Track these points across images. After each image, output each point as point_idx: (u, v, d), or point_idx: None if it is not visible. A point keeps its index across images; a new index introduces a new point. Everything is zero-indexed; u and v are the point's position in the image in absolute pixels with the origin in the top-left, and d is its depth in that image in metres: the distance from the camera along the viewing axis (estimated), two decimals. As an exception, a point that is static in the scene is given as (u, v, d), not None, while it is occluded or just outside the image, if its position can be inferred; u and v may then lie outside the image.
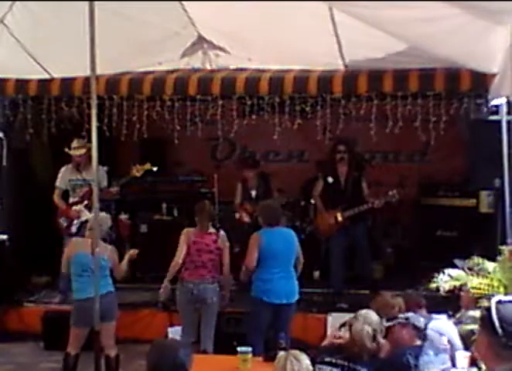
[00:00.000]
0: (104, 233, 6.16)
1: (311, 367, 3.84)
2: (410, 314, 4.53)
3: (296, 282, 6.22)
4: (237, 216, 8.12)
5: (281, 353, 3.91)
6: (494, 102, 6.41)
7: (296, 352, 3.89)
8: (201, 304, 6.23)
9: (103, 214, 6.17)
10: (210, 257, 6.27)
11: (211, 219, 6.43)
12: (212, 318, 6.28)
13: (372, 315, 4.37)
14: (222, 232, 6.42)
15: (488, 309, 2.43)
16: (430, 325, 4.67)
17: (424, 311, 5.02)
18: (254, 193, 8.14)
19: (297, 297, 6.22)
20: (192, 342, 6.06)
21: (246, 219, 8.10)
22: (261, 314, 6.08)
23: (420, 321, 4.45)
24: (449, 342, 4.76)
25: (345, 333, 4.59)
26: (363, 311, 4.40)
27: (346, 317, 5.27)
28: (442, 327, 4.87)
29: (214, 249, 6.29)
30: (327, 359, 4.28)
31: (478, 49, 5.56)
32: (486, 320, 2.41)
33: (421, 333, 4.41)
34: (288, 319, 6.19)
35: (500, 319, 2.37)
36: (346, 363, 4.22)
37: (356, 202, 7.73)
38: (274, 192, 8.20)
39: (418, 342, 4.37)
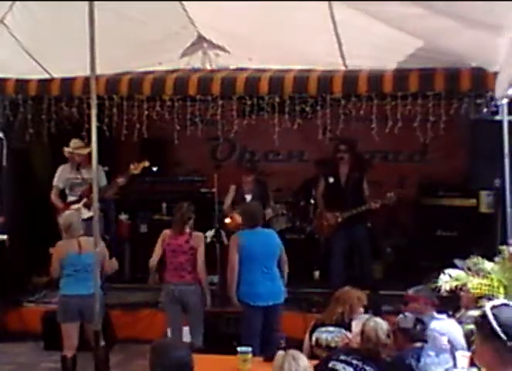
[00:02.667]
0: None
1: (309, 367, 3.85)
2: (398, 317, 4.56)
3: (281, 282, 6.24)
4: (228, 220, 7.96)
5: (279, 353, 3.91)
6: (497, 102, 6.43)
7: (294, 351, 3.89)
8: (184, 305, 6.26)
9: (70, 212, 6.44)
10: (186, 258, 6.26)
11: (185, 220, 6.34)
12: (198, 317, 6.30)
13: (381, 320, 4.50)
14: (198, 233, 6.38)
15: (484, 316, 2.42)
16: (432, 325, 4.67)
17: (433, 311, 5.00)
18: (249, 198, 8.00)
19: (283, 297, 6.23)
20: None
21: (237, 222, 8.00)
22: (251, 317, 6.08)
23: (407, 322, 4.45)
24: (452, 341, 4.75)
25: (356, 337, 4.67)
26: (372, 318, 4.55)
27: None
28: (443, 327, 4.86)
29: (188, 249, 6.26)
30: (342, 357, 4.39)
31: (483, 45, 5.59)
32: (485, 328, 2.41)
33: (414, 331, 4.39)
34: (277, 319, 6.20)
35: (499, 324, 2.37)
36: (359, 364, 4.31)
37: (356, 203, 7.75)
38: (271, 200, 8.11)
39: (418, 344, 4.36)
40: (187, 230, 6.33)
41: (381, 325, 4.42)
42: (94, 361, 5.57)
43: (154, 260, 6.35)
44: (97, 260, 5.63)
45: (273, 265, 6.21)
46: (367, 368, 4.28)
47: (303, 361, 3.81)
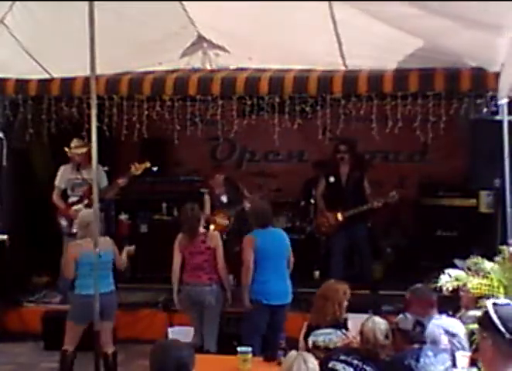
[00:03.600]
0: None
1: (317, 369, 3.87)
2: (398, 318, 4.55)
3: (289, 282, 6.25)
4: (212, 227, 7.84)
5: (292, 353, 3.94)
6: (497, 101, 6.44)
7: (305, 353, 3.96)
8: (200, 306, 6.24)
9: (88, 211, 6.25)
10: (204, 258, 6.23)
11: (196, 222, 6.28)
12: (213, 319, 6.27)
13: (380, 320, 4.49)
14: (213, 232, 6.35)
15: (486, 312, 2.45)
16: (433, 323, 4.67)
17: (435, 310, 4.99)
18: (225, 198, 8.04)
19: (291, 297, 6.25)
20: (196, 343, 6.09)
21: (221, 224, 7.96)
22: (260, 316, 6.10)
23: (406, 323, 4.44)
24: (455, 336, 4.75)
25: (356, 337, 4.68)
26: (371, 318, 4.53)
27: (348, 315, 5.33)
28: (444, 323, 4.86)
29: (205, 249, 6.24)
30: (342, 357, 4.40)
31: (483, 45, 5.60)
32: (486, 322, 2.43)
33: (413, 333, 4.39)
34: (284, 319, 6.23)
35: (500, 318, 2.39)
36: (360, 364, 4.32)
37: (357, 202, 7.76)
38: (244, 195, 8.06)
39: (417, 345, 4.37)
40: (201, 230, 6.32)
41: (379, 325, 4.41)
42: (95, 361, 5.57)
43: (176, 267, 6.32)
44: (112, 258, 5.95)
45: (283, 265, 6.23)
46: (367, 368, 4.29)
47: (312, 363, 3.85)
